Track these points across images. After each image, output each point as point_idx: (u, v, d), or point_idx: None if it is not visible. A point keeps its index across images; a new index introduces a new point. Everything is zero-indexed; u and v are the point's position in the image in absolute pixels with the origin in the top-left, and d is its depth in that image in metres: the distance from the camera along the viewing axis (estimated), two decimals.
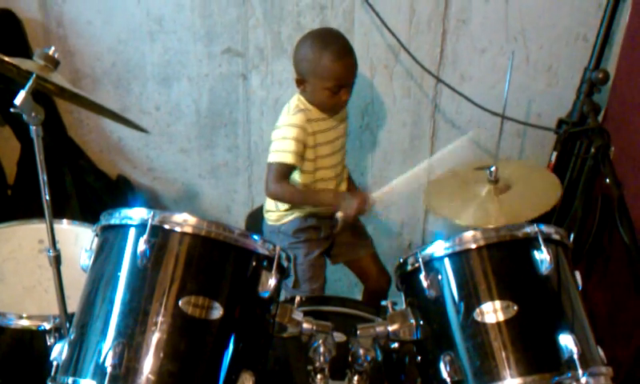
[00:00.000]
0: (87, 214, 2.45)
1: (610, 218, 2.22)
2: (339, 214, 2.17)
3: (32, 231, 2.03)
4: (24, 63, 1.42)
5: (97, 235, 1.41)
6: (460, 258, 1.39)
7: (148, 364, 1.21)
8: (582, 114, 2.35)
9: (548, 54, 2.45)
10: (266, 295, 1.34)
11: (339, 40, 2.08)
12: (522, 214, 1.90)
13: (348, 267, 2.41)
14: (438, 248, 1.41)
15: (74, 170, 2.55)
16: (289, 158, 2.04)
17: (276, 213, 2.22)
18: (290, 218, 2.19)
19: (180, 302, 1.25)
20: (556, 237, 1.42)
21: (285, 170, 2.07)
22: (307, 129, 2.07)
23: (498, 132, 2.00)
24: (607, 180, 2.18)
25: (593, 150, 2.26)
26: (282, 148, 2.06)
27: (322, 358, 1.47)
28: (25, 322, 1.69)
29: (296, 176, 2.12)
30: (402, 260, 1.50)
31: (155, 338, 1.22)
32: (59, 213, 2.00)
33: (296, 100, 2.12)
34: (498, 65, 2.45)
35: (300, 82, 2.09)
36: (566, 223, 2.33)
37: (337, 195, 2.16)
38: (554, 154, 2.42)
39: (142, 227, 1.29)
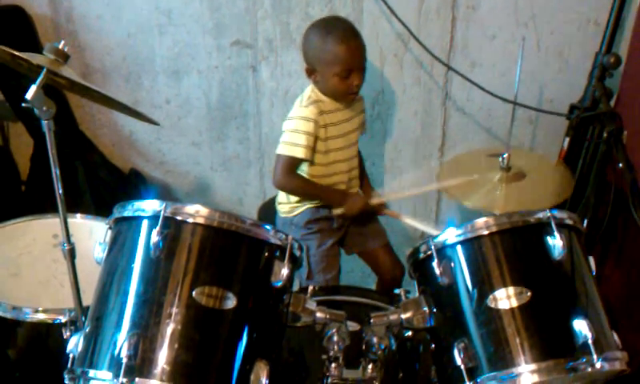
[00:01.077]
0: (100, 209, 2.45)
1: (623, 203, 2.20)
2: (337, 211, 2.18)
3: (46, 226, 2.05)
4: (34, 58, 1.42)
5: (110, 228, 1.41)
6: (472, 244, 1.39)
7: (163, 355, 1.22)
8: (594, 99, 2.33)
9: (559, 39, 2.43)
10: (279, 285, 1.35)
11: (343, 24, 2.09)
12: (530, 206, 1.90)
13: (361, 258, 2.41)
14: (450, 235, 1.40)
15: (86, 165, 2.56)
16: (299, 152, 2.05)
17: (288, 205, 2.22)
18: (302, 209, 2.20)
19: (194, 293, 1.25)
20: (569, 222, 1.41)
21: (294, 163, 2.09)
22: (319, 121, 2.07)
23: (510, 119, 1.99)
24: (620, 165, 2.17)
25: (605, 134, 2.24)
26: (292, 141, 2.06)
27: (335, 347, 1.48)
28: (41, 316, 1.71)
29: (309, 169, 2.13)
30: (414, 248, 1.50)
31: (170, 328, 1.23)
32: (73, 207, 2.01)
33: (309, 91, 2.12)
34: (508, 51, 2.43)
35: (310, 72, 2.09)
36: (579, 209, 2.32)
37: (344, 196, 2.19)
38: (567, 139, 2.40)
39: (154, 219, 1.30)
